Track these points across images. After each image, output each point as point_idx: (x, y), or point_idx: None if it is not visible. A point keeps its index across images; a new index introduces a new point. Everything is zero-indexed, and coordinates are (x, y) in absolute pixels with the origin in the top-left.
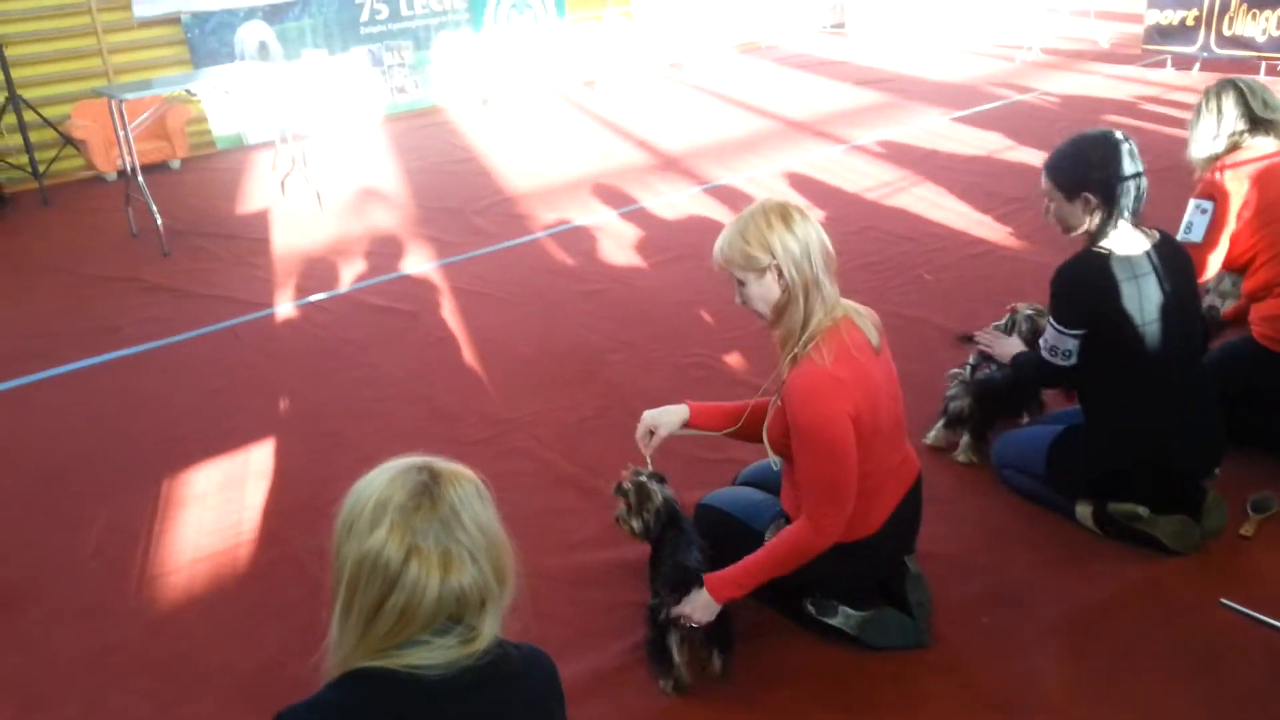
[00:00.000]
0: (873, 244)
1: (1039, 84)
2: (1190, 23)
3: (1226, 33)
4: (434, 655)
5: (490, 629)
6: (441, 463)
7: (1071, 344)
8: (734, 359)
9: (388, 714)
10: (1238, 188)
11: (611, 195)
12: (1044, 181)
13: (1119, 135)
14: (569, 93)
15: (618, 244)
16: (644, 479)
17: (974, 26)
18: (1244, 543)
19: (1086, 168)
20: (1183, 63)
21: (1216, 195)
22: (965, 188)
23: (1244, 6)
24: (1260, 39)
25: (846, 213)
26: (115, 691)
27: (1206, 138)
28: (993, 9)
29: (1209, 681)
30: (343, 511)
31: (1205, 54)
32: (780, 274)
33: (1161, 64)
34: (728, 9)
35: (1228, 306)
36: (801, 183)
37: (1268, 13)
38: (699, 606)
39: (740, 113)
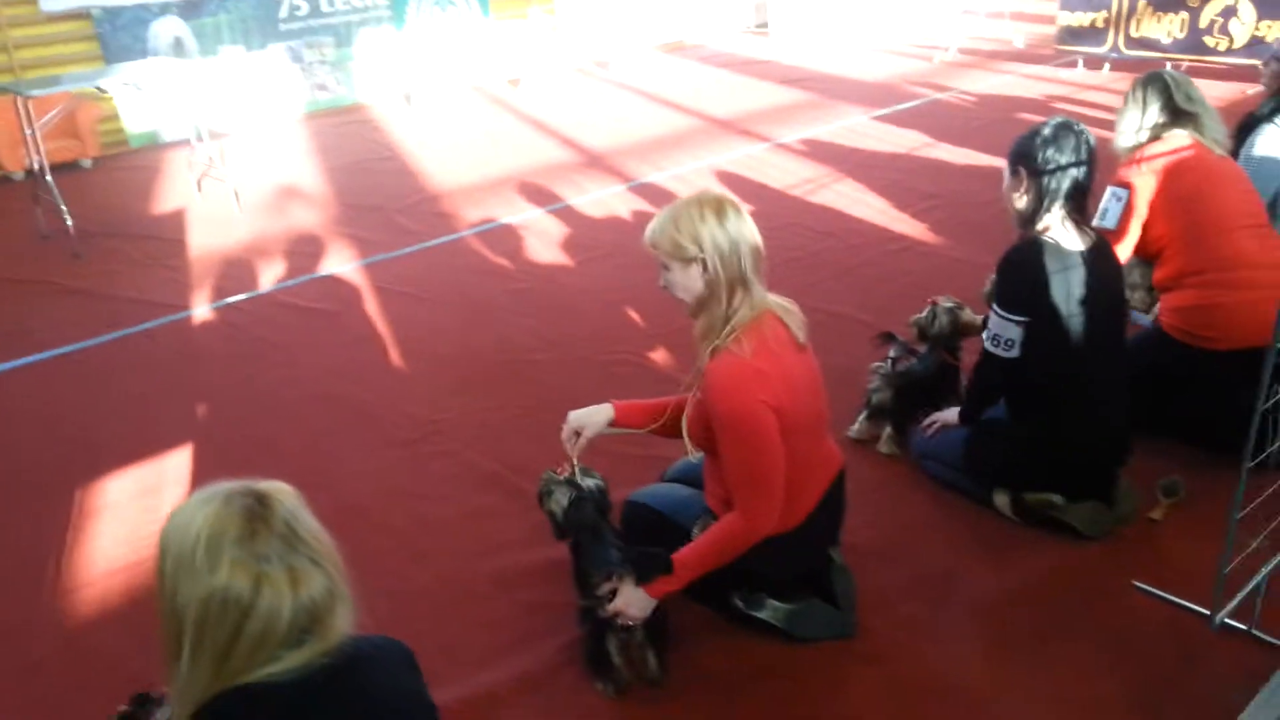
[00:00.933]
0: (796, 240)
1: (956, 83)
2: (1100, 24)
3: (1134, 34)
4: (288, 663)
5: (341, 627)
6: (257, 483)
7: (1014, 331)
8: (661, 356)
9: None
10: (1150, 180)
11: (537, 193)
12: (1006, 165)
13: (1077, 127)
14: (494, 91)
15: (544, 242)
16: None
17: (893, 27)
18: (1154, 526)
19: (1029, 145)
20: (1093, 63)
21: (1132, 183)
22: (885, 184)
23: (1150, 9)
24: (1165, 40)
25: (770, 209)
26: (38, 711)
27: (1130, 128)
28: (911, 10)
29: (1126, 663)
30: (167, 555)
31: (1114, 54)
32: (705, 268)
33: (1073, 64)
34: (652, 8)
35: (1135, 299)
36: (726, 180)
37: (1171, 15)
38: (634, 602)
39: (665, 111)
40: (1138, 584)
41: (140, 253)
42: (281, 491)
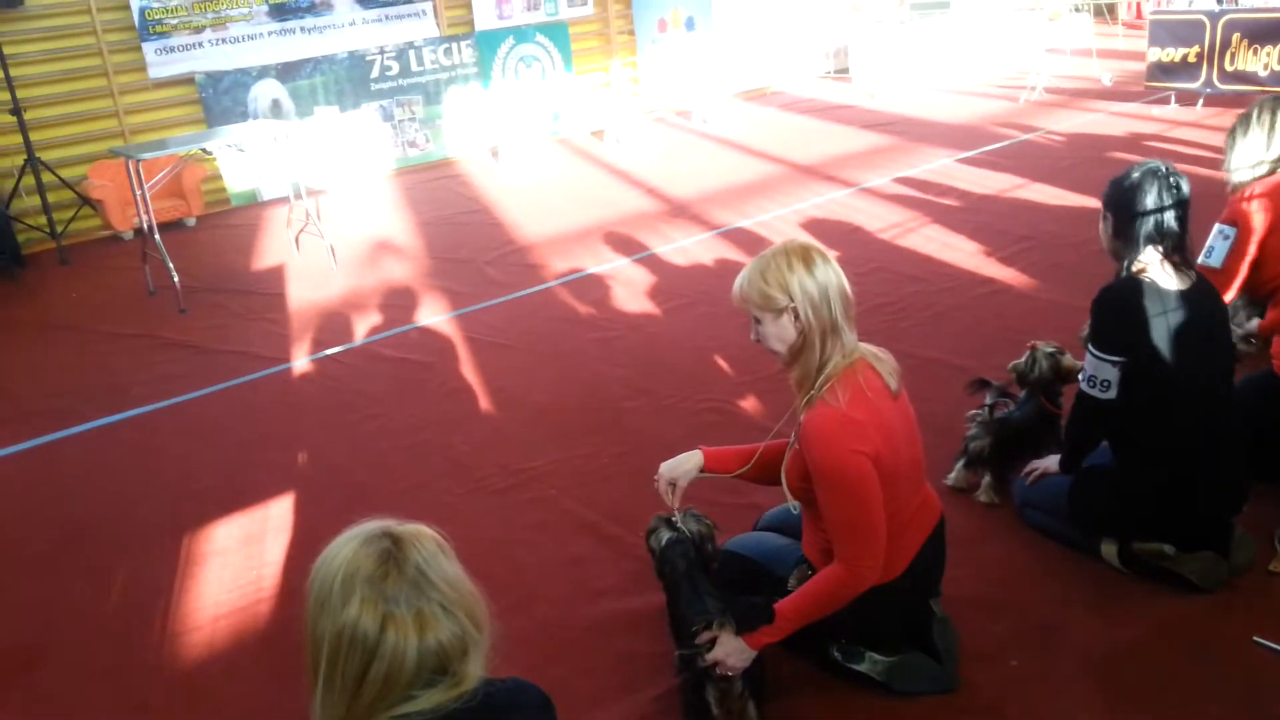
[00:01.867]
0: (884, 285)
1: (1043, 123)
2: (1192, 59)
3: (1228, 68)
4: (421, 704)
5: (474, 672)
6: (400, 525)
7: (1111, 372)
8: (750, 404)
9: None
10: (1262, 217)
11: (623, 243)
12: (1102, 207)
13: (1163, 168)
14: (578, 143)
15: (630, 291)
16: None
17: (976, 68)
18: (1273, 579)
19: (1116, 190)
20: (1186, 98)
21: (1240, 222)
22: (975, 227)
23: (1245, 42)
24: (1263, 74)
25: (857, 254)
26: None
27: (1248, 160)
28: (994, 50)
29: None
30: (312, 588)
31: (1208, 89)
32: (797, 316)
33: (1165, 100)
34: (732, 57)
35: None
36: (811, 225)
37: (1269, 48)
38: (733, 652)
39: (747, 159)
40: (1259, 639)
41: (242, 307)
42: (420, 536)
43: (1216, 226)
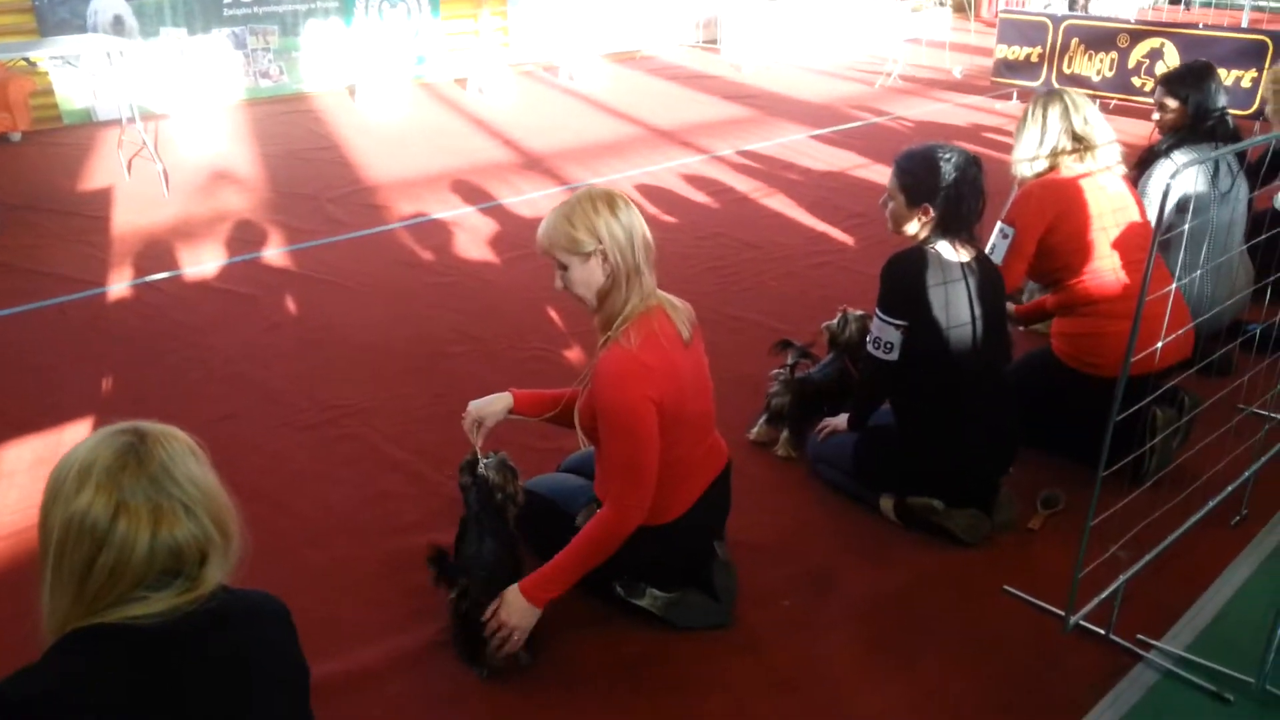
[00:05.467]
0: (721, 250)
1: (894, 108)
2: (1035, 59)
3: (1066, 70)
4: (150, 607)
5: (213, 579)
6: (150, 424)
7: (893, 335)
8: (574, 353)
9: (108, 666)
10: (1038, 218)
11: (471, 191)
12: (891, 179)
13: (973, 157)
14: (440, 89)
15: (472, 239)
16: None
17: (840, 50)
18: (1030, 535)
19: (936, 182)
20: (1027, 96)
21: (1018, 222)
22: (814, 201)
23: (1082, 47)
24: (1095, 78)
25: (700, 220)
26: None
27: (1028, 154)
28: (857, 35)
29: (989, 662)
30: (49, 481)
31: (1046, 89)
32: (605, 259)
33: (1008, 96)
34: (605, 18)
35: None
36: (661, 188)
37: (1101, 54)
38: (517, 613)
39: (608, 119)
40: (1007, 588)
41: (62, 228)
42: (170, 435)
43: (998, 225)
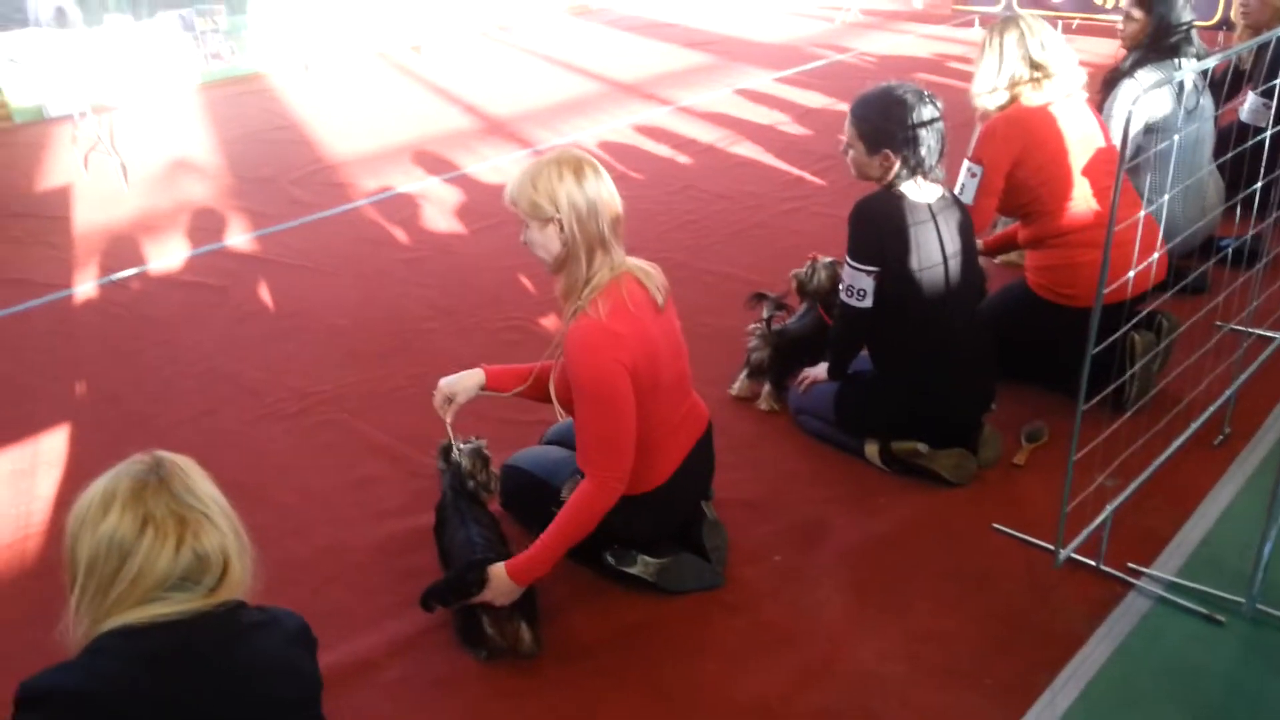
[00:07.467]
0: (692, 203)
1: (857, 44)
2: None
3: None
4: (170, 607)
5: (233, 585)
6: (163, 452)
7: (866, 282)
8: (551, 322)
9: (133, 669)
10: (1004, 153)
11: (435, 162)
12: (848, 127)
13: (927, 95)
14: (396, 58)
15: (440, 210)
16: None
17: None
18: (1016, 471)
19: (893, 126)
20: (990, 21)
21: (985, 160)
22: (783, 146)
23: None
24: (1057, 0)
25: (668, 173)
26: None
27: (987, 85)
28: None
29: (980, 599)
30: (72, 516)
31: (1008, 13)
32: (562, 228)
33: (970, 24)
34: None
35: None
36: (626, 144)
37: None
38: (502, 594)
39: (569, 75)
40: (996, 526)
41: (20, 230)
42: (181, 459)
43: (965, 164)
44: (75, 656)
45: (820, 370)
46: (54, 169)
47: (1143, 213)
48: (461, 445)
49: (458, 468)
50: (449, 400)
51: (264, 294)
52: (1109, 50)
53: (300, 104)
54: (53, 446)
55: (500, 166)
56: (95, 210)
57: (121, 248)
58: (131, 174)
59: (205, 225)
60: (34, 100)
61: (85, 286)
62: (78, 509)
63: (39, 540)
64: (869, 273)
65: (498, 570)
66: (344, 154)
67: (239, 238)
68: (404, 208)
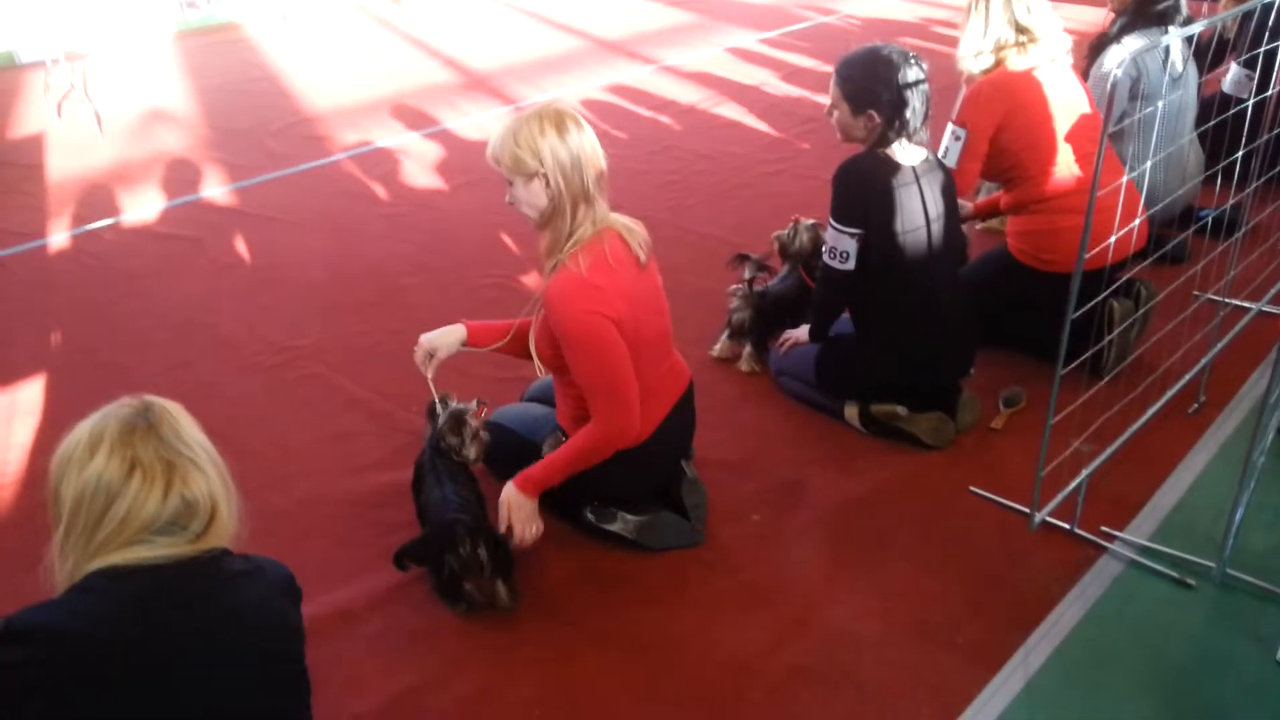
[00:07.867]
0: (674, 163)
1: (842, 6)
2: None
3: None
4: (155, 550)
5: (220, 531)
6: (152, 397)
7: (849, 244)
8: (532, 279)
9: (115, 609)
10: (988, 117)
11: (415, 116)
12: (833, 88)
13: (913, 57)
14: (375, 10)
15: (420, 166)
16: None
17: None
18: (994, 435)
19: (879, 86)
20: None
21: (969, 124)
22: (766, 107)
23: None
24: None
25: (650, 133)
26: None
27: (972, 48)
28: None
29: (956, 561)
30: (57, 455)
31: None
32: (548, 183)
33: None
34: None
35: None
36: (609, 102)
37: None
38: (520, 517)
39: (553, 32)
40: (973, 489)
41: None
42: (170, 405)
43: (949, 127)
44: (60, 595)
45: (801, 332)
46: (26, 117)
47: (1124, 179)
48: (450, 403)
49: (434, 427)
50: (430, 355)
51: (240, 247)
52: (1095, 19)
53: (277, 55)
54: (29, 396)
55: (481, 122)
56: (69, 159)
57: (97, 197)
58: (106, 123)
59: (181, 176)
60: (5, 46)
61: (59, 236)
62: (64, 449)
63: (15, 489)
64: (852, 235)
65: (510, 491)
66: (322, 106)
67: (215, 190)
68: (383, 162)
